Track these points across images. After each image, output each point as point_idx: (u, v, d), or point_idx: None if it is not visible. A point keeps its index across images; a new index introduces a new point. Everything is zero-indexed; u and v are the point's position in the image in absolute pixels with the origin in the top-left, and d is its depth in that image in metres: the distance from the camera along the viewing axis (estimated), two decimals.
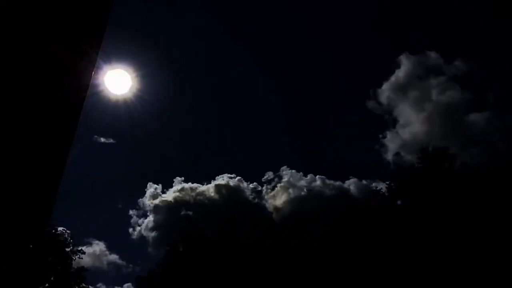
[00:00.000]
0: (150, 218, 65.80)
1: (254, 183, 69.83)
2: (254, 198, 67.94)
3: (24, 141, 3.27)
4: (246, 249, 42.81)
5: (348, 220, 37.49)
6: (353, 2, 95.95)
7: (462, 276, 28.44)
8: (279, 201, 64.87)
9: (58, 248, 39.43)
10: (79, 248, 41.94)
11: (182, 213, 63.95)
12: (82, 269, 41.74)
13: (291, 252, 39.86)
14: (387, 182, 37.71)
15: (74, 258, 40.89)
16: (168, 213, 64.84)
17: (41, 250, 34.88)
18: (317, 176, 69.92)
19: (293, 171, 71.80)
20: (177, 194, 66.61)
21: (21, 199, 3.24)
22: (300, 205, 62.54)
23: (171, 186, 71.06)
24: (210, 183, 69.36)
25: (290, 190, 66.99)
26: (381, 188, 38.14)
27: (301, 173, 72.62)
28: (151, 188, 69.10)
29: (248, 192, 69.49)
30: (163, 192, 68.33)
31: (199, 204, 65.35)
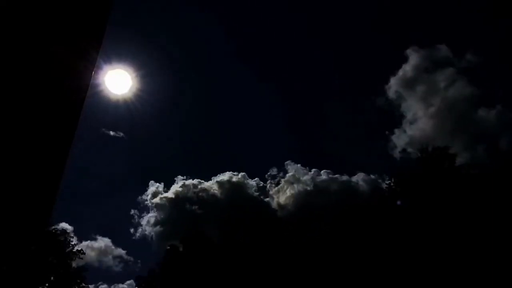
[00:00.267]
0: (154, 215, 65.43)
1: (256, 178, 68.90)
2: (258, 195, 66.99)
3: (24, 141, 3.27)
4: (247, 249, 42.70)
5: (350, 219, 37.30)
6: None
7: (462, 275, 28.41)
8: (284, 196, 64.01)
9: (58, 248, 39.43)
10: (79, 248, 41.96)
11: (186, 208, 63.51)
12: (82, 269, 41.78)
13: (291, 252, 39.72)
14: (387, 182, 37.65)
15: (74, 258, 40.90)
16: (171, 209, 64.43)
17: (41, 250, 34.87)
18: (323, 171, 68.63)
19: (298, 165, 70.44)
20: (180, 190, 66.01)
21: (21, 199, 3.24)
22: (305, 200, 61.67)
23: (174, 184, 70.71)
24: (212, 180, 68.68)
25: (295, 185, 66.03)
26: (390, 183, 37.69)
27: (307, 168, 71.18)
28: (153, 186, 68.84)
29: (252, 188, 68.49)
30: (165, 191, 68.18)
31: (203, 200, 64.57)
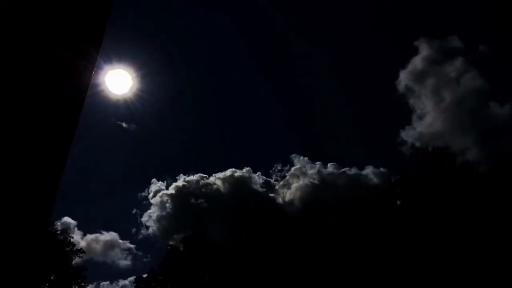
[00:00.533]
0: (158, 211, 65.02)
1: (258, 172, 67.55)
2: (263, 190, 65.91)
3: (24, 141, 3.27)
4: (250, 246, 42.46)
5: (357, 214, 36.91)
6: None
7: (463, 275, 28.39)
8: (290, 191, 63.05)
9: (58, 248, 39.45)
10: (79, 248, 41.99)
11: (190, 204, 62.90)
12: (82, 268, 41.80)
13: (296, 248, 39.29)
14: (393, 179, 37.41)
15: (74, 257, 40.94)
16: (175, 205, 63.89)
17: (41, 250, 34.88)
18: (330, 163, 67.00)
19: (305, 158, 68.86)
20: (184, 185, 65.39)
21: (21, 199, 3.24)
22: (312, 194, 60.47)
23: (176, 182, 70.22)
24: (216, 176, 67.68)
25: (301, 179, 64.86)
26: (392, 181, 37.42)
27: (314, 162, 69.53)
28: (156, 184, 68.46)
29: (257, 183, 67.41)
30: (168, 188, 67.83)
31: (207, 196, 63.71)
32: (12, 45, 3.28)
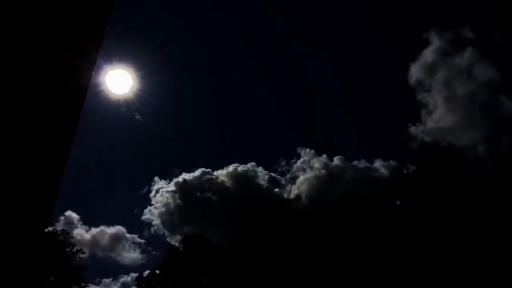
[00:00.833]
0: (160, 208, 64.46)
1: (259, 167, 65.87)
2: (268, 185, 64.55)
3: (24, 141, 3.26)
4: (251, 245, 42.13)
5: (361, 211, 36.39)
6: None
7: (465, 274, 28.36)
8: (296, 185, 61.75)
9: (58, 248, 39.46)
10: (79, 248, 42.01)
11: (194, 199, 62.17)
12: (82, 268, 41.80)
13: (299, 247, 38.75)
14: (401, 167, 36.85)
15: (74, 257, 40.96)
16: (178, 201, 63.26)
17: (41, 250, 34.90)
18: (338, 157, 64.77)
19: (311, 150, 67.09)
20: (188, 181, 64.45)
21: (21, 199, 3.23)
22: (319, 188, 58.85)
23: (179, 179, 69.49)
24: (220, 171, 66.49)
25: (308, 172, 63.27)
26: (409, 168, 36.67)
27: (321, 155, 67.67)
28: (158, 183, 67.89)
29: (262, 178, 65.94)
30: (169, 182, 67.23)
31: (211, 192, 62.69)
32: (12, 45, 3.27)
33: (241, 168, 65.42)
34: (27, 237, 3.31)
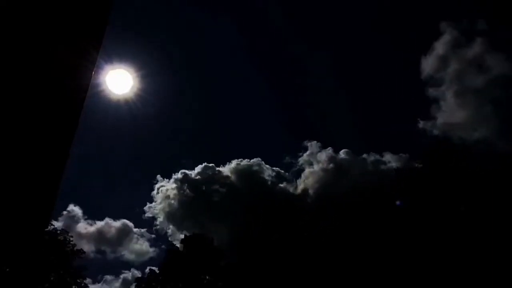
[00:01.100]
0: (163, 204, 63.92)
1: (262, 162, 64.32)
2: (274, 180, 63.47)
3: (24, 140, 3.26)
4: (252, 245, 41.91)
5: (366, 207, 35.91)
6: None
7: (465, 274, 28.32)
8: (302, 180, 60.68)
9: (58, 248, 39.47)
10: (79, 248, 42.02)
11: (198, 195, 61.57)
12: (82, 268, 41.80)
13: (300, 246, 38.36)
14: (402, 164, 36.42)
15: (75, 257, 40.97)
16: (182, 197, 62.74)
17: (41, 250, 34.90)
18: (346, 150, 63.22)
19: (318, 143, 65.70)
20: (193, 176, 63.73)
21: (22, 199, 3.23)
22: (326, 182, 57.74)
23: (181, 176, 68.97)
24: (225, 167, 65.57)
25: (314, 166, 61.96)
26: (418, 164, 36.13)
27: (330, 148, 66.42)
28: (160, 182, 67.44)
29: (267, 173, 64.75)
30: (170, 177, 66.74)
31: (217, 187, 61.86)
32: (12, 45, 3.27)
33: (245, 163, 64.38)
34: (27, 237, 3.31)
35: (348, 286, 33.35)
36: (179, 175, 64.46)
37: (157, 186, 66.69)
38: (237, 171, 63.23)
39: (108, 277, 56.48)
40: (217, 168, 63.66)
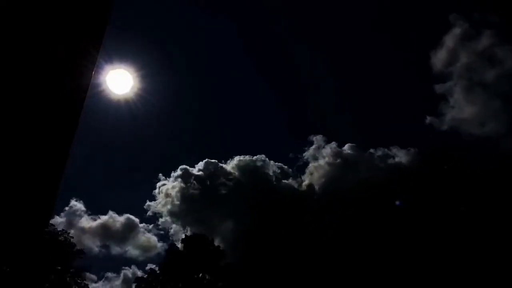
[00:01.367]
0: (164, 201, 63.59)
1: (266, 158, 63.53)
2: (278, 176, 62.51)
3: (24, 140, 3.26)
4: (254, 243, 41.63)
5: (366, 206, 35.66)
6: None
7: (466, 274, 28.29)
8: (306, 175, 59.80)
9: (58, 248, 39.49)
10: (79, 248, 42.08)
11: (201, 191, 61.06)
12: (82, 268, 41.84)
13: (303, 244, 38.01)
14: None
15: (75, 257, 41.02)
16: (184, 196, 62.28)
17: (41, 250, 34.90)
18: (351, 144, 61.56)
19: (324, 136, 64.76)
20: (196, 173, 63.09)
21: (21, 199, 3.23)
22: (331, 177, 56.73)
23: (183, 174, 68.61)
24: (229, 163, 64.79)
25: (319, 160, 61.19)
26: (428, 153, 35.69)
27: (334, 142, 65.75)
28: (162, 180, 67.08)
29: (271, 169, 63.89)
30: (176, 181, 66.45)
31: (220, 184, 61.16)
32: (12, 45, 3.27)
33: (248, 159, 63.73)
34: (27, 237, 3.31)
35: (352, 283, 33.11)
36: (181, 172, 64.17)
37: (159, 184, 66.64)
38: (240, 167, 62.58)
39: (109, 274, 56.50)
40: (220, 164, 63.08)
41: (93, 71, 3.64)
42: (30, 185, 3.29)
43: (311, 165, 61.30)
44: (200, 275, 43.81)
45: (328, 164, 59.52)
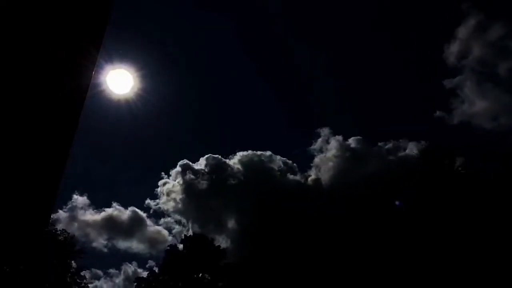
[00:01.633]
0: (169, 204, 63.28)
1: (272, 154, 62.87)
2: (284, 172, 61.75)
3: (24, 140, 3.26)
4: (255, 243, 41.48)
5: (369, 204, 35.39)
6: None
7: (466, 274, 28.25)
8: (311, 170, 59.01)
9: (58, 248, 39.50)
10: (79, 248, 42.11)
11: (206, 187, 60.53)
12: (82, 269, 41.87)
13: (303, 243, 37.80)
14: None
15: (75, 257, 41.06)
16: (185, 196, 61.92)
17: (41, 250, 34.91)
18: (353, 138, 61.37)
19: (331, 129, 63.98)
20: (200, 170, 62.45)
21: (21, 199, 3.23)
22: (339, 171, 56.01)
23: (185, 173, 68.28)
24: (234, 159, 64.13)
25: (327, 153, 60.25)
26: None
27: (341, 135, 64.78)
28: (166, 178, 66.73)
29: (277, 164, 63.09)
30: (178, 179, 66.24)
31: (225, 180, 60.39)
32: (12, 45, 3.27)
33: (253, 154, 62.99)
34: (27, 237, 3.31)
35: (359, 280, 32.91)
36: (182, 168, 63.75)
37: (159, 183, 66.47)
38: (244, 162, 61.85)
39: (111, 271, 56.38)
40: (226, 160, 62.46)
41: (93, 71, 3.64)
42: (30, 185, 3.29)
43: (317, 159, 60.91)
44: (200, 275, 43.82)
45: (335, 156, 59.02)
